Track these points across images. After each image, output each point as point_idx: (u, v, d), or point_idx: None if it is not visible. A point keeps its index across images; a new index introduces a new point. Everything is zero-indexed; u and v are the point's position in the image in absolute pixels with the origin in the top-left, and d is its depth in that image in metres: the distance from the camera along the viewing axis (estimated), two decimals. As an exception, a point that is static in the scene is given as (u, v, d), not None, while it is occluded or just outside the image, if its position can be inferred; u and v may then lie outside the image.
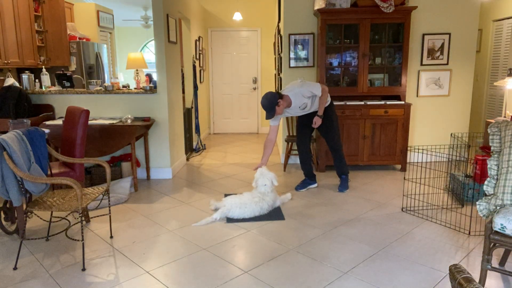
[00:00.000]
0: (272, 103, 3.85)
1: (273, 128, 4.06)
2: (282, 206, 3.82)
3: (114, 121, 4.31)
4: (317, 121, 4.09)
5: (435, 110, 5.37)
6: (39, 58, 5.46)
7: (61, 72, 4.85)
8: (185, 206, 3.86)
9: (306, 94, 3.99)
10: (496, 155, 2.46)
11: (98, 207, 3.80)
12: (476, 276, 2.50)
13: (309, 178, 4.39)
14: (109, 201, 3.11)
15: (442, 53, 5.20)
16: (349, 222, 3.43)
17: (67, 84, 4.75)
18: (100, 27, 6.97)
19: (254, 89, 8.11)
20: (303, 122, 4.29)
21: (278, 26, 6.02)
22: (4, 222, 3.36)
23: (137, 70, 5.40)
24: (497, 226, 2.23)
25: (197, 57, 6.78)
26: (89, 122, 4.16)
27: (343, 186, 4.30)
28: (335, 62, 5.18)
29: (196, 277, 2.55)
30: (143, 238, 3.15)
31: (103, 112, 4.69)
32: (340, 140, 4.29)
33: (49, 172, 3.05)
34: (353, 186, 4.41)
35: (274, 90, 5.61)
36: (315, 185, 4.42)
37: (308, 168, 4.37)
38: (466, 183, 3.79)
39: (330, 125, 4.21)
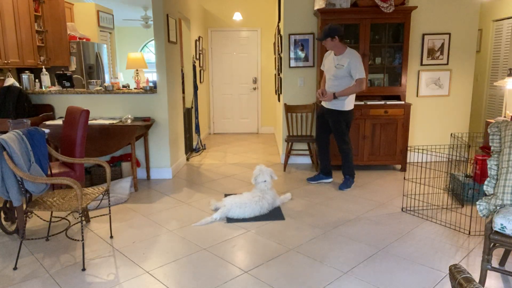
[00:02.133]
0: (331, 32, 3.98)
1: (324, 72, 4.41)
2: (282, 206, 3.82)
3: (114, 121, 4.31)
4: (328, 96, 4.11)
5: (435, 110, 5.37)
6: (39, 58, 5.45)
7: (61, 72, 4.85)
8: (185, 206, 3.86)
9: (352, 63, 3.99)
10: (496, 155, 2.46)
11: (98, 207, 3.80)
12: (476, 276, 2.50)
13: (323, 173, 4.53)
14: (109, 201, 3.11)
15: (442, 53, 5.20)
16: (349, 222, 3.43)
17: (67, 84, 4.74)
18: (100, 27, 6.97)
19: (254, 89, 8.11)
20: (321, 121, 4.40)
21: (278, 26, 6.02)
22: (4, 222, 3.36)
23: (137, 70, 5.40)
24: (497, 226, 2.23)
25: (197, 57, 6.78)
26: (89, 122, 4.16)
27: (344, 184, 4.33)
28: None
29: (196, 277, 2.55)
30: (143, 238, 3.15)
31: (103, 112, 4.69)
32: (346, 144, 4.28)
33: (49, 172, 3.05)
34: (353, 186, 4.41)
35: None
36: (330, 180, 4.55)
37: (324, 164, 4.51)
38: (466, 183, 3.79)
39: (338, 128, 4.23)
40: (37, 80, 4.90)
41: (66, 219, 3.50)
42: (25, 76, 4.70)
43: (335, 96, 4.08)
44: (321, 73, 4.61)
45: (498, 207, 2.35)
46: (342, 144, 4.27)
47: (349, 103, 4.15)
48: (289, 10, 5.16)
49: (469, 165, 4.07)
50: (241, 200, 3.58)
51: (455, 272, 1.15)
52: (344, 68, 4.02)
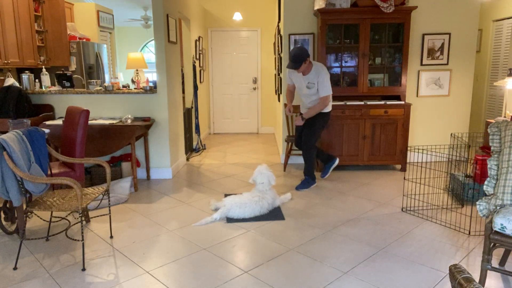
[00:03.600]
0: (303, 56, 3.96)
1: (290, 86, 4.43)
2: (282, 206, 3.82)
3: (114, 121, 4.31)
4: (297, 121, 4.23)
5: (435, 110, 5.37)
6: (39, 58, 5.45)
7: (61, 72, 4.85)
8: (185, 206, 3.86)
9: (321, 80, 4.06)
10: (496, 155, 2.46)
11: (98, 207, 3.80)
12: (476, 276, 2.50)
13: (326, 163, 4.59)
14: (109, 201, 3.11)
15: (442, 53, 5.20)
16: (349, 222, 3.43)
17: (67, 84, 4.75)
18: (100, 27, 6.97)
19: (254, 89, 8.11)
20: (300, 129, 4.44)
21: (278, 26, 6.02)
22: (4, 222, 3.36)
23: (137, 70, 5.40)
24: (497, 226, 2.23)
25: (197, 57, 6.78)
26: (89, 122, 4.17)
27: (301, 185, 4.34)
28: (335, 62, 5.18)
29: (196, 277, 2.55)
30: (143, 238, 3.15)
31: (103, 112, 4.69)
32: (311, 147, 4.28)
33: (49, 172, 3.05)
34: (353, 186, 4.41)
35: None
36: (336, 161, 4.60)
37: (322, 157, 4.56)
38: (466, 183, 3.79)
39: (311, 128, 4.28)
40: (37, 80, 4.90)
41: (66, 219, 3.50)
42: (25, 76, 4.70)
43: (303, 118, 4.19)
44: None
45: (498, 207, 2.35)
46: (307, 147, 4.27)
47: (329, 105, 4.27)
48: (289, 10, 5.17)
49: (469, 165, 4.07)
50: (241, 200, 3.57)
51: (455, 272, 1.15)
52: (315, 86, 4.13)
